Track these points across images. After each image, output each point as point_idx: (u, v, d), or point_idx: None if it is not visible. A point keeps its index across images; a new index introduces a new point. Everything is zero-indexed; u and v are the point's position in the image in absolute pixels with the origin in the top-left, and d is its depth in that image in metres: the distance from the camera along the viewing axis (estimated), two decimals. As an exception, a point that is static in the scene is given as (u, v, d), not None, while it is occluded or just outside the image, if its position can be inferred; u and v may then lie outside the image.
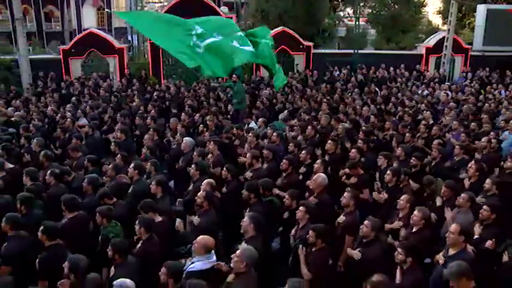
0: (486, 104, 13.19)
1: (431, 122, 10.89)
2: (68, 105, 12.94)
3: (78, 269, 4.10)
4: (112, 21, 42.00)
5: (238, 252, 4.32)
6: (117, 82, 17.74)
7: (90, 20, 41.96)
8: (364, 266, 4.86)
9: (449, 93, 15.66)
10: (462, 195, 5.93)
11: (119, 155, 7.71)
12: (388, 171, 6.69)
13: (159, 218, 5.40)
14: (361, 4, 31.83)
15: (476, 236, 5.45)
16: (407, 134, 9.24)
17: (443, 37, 21.59)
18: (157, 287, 4.33)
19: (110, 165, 7.15)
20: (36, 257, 4.78)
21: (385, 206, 6.38)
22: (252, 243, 4.80)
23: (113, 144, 8.71)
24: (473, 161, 7.44)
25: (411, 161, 7.62)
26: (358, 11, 26.25)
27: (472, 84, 17.76)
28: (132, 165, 6.66)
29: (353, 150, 7.56)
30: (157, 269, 4.32)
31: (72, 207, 5.48)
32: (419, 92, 16.48)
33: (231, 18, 19.26)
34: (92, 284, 4.08)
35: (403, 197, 5.92)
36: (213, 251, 4.68)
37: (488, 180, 6.63)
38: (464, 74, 20.96)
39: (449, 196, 6.16)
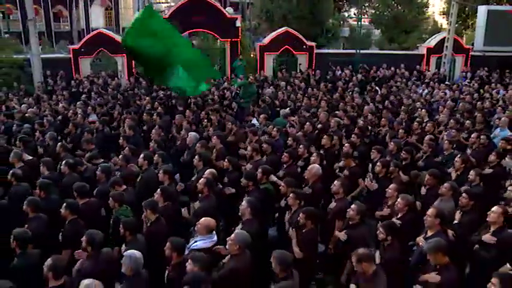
0: (479, 103, 13.58)
1: (426, 119, 11.35)
2: (78, 103, 13.49)
3: (95, 242, 4.64)
4: (120, 21, 42.60)
5: (232, 235, 4.83)
6: (125, 81, 18.29)
7: (98, 19, 42.52)
8: (350, 246, 5.34)
9: (447, 92, 16.11)
10: (445, 184, 6.42)
11: (127, 147, 8.25)
12: (378, 163, 7.21)
13: (165, 203, 5.93)
14: (366, 5, 32.36)
15: (456, 222, 5.94)
16: (400, 130, 9.73)
17: (444, 37, 22.03)
18: (163, 261, 4.84)
19: (120, 156, 7.69)
20: (52, 236, 5.37)
21: (376, 195, 6.87)
22: (248, 226, 5.32)
23: (121, 138, 9.24)
24: (459, 155, 7.92)
25: (401, 154, 8.11)
26: (360, 12, 26.67)
27: (471, 84, 18.20)
28: (142, 155, 7.25)
29: (346, 144, 8.05)
30: (163, 247, 4.84)
31: (83, 194, 6.04)
32: (419, 91, 16.94)
33: (236, 18, 19.89)
34: (105, 257, 4.62)
35: (391, 186, 6.43)
36: (214, 232, 5.20)
37: (472, 172, 7.11)
38: (464, 73, 21.42)
39: (433, 184, 6.65)
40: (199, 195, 6.22)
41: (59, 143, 8.37)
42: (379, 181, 7.04)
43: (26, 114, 11.95)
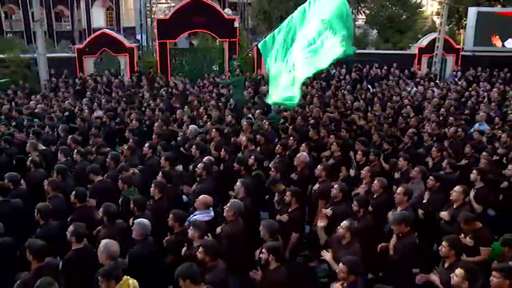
0: (446, 100, 14.34)
1: (411, 115, 12.13)
2: (84, 99, 14.30)
3: (109, 213, 5.43)
4: (120, 21, 43.34)
5: (228, 204, 5.63)
6: (128, 79, 19.10)
7: (99, 19, 43.17)
8: (334, 220, 6.11)
9: (436, 90, 16.92)
10: (415, 168, 7.24)
11: (132, 139, 9.05)
12: (359, 152, 8.04)
13: (168, 184, 6.72)
14: (362, 5, 33.13)
15: (424, 201, 6.74)
16: (385, 125, 10.54)
17: (436, 38, 22.80)
18: (166, 231, 5.62)
19: (126, 147, 8.49)
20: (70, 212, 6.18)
21: (356, 179, 7.67)
22: (242, 202, 6.10)
23: (127, 131, 10.03)
24: (436, 145, 8.74)
25: (384, 145, 8.93)
26: (355, 13, 27.37)
27: (460, 83, 18.99)
28: (146, 144, 8.10)
29: (331, 136, 8.84)
30: (166, 221, 5.63)
31: (98, 172, 6.95)
32: (408, 89, 17.72)
33: (234, 19, 20.65)
34: (119, 227, 5.41)
35: (364, 168, 7.26)
36: (211, 208, 5.99)
37: (445, 161, 7.92)
38: (454, 72, 22.22)
39: (405, 168, 7.46)
40: (198, 177, 7.03)
41: (70, 136, 9.16)
42: (359, 167, 7.84)
43: (36, 110, 12.76)
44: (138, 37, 31.53)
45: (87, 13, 43.29)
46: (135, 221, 5.22)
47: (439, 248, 4.96)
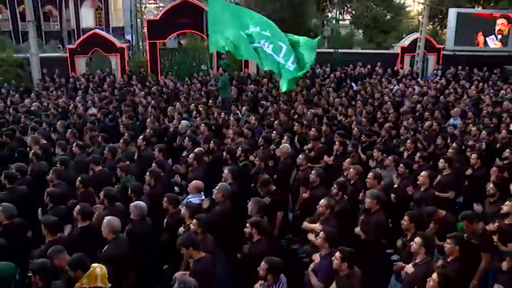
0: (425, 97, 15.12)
1: (391, 111, 12.84)
2: (78, 98, 14.84)
3: (110, 196, 6.04)
4: (110, 21, 43.63)
5: (217, 187, 6.27)
6: (119, 78, 19.61)
7: (88, 19, 43.35)
8: (313, 203, 6.74)
9: (416, 88, 17.70)
10: (389, 157, 7.93)
11: (126, 133, 9.64)
12: (337, 142, 8.73)
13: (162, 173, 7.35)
14: (348, 6, 33.93)
15: (395, 186, 7.44)
16: (363, 120, 11.25)
17: (417, 37, 23.60)
18: (161, 214, 6.24)
19: (121, 140, 9.08)
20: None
21: (334, 167, 8.36)
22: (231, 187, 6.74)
23: (121, 127, 10.62)
24: (410, 137, 9.46)
25: (362, 138, 9.63)
26: (339, 13, 28.12)
27: (440, 81, 19.79)
28: (140, 137, 8.71)
29: (313, 129, 9.51)
30: (161, 206, 6.24)
31: (98, 162, 7.59)
32: (391, 87, 18.48)
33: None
34: (119, 209, 6.02)
35: (346, 160, 7.92)
36: (202, 192, 6.62)
37: (418, 154, 8.60)
38: (435, 71, 23.06)
39: (380, 158, 8.15)
40: (190, 166, 7.67)
41: (69, 130, 9.75)
42: (337, 157, 8.52)
43: (32, 108, 13.28)
44: (127, 37, 31.98)
45: (76, 13, 43.50)
46: (132, 204, 5.83)
47: (401, 222, 5.65)
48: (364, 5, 30.75)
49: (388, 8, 30.89)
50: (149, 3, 39.62)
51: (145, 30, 23.74)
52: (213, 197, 6.27)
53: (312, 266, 5.16)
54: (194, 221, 5.29)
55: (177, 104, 12.97)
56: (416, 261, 4.93)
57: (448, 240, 5.00)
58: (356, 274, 4.71)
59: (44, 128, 11.05)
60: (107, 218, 5.20)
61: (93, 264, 4.68)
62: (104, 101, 14.34)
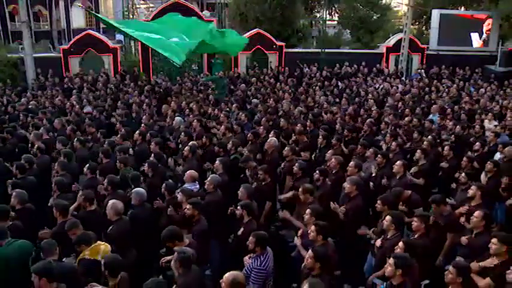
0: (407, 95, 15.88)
1: (374, 108, 13.53)
2: (73, 97, 15.35)
3: (113, 183, 6.63)
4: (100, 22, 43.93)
5: (208, 178, 6.89)
6: (112, 78, 20.13)
7: (78, 19, 43.54)
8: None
9: (400, 86, 18.45)
10: (370, 149, 8.60)
11: (123, 129, 10.21)
12: (320, 136, 9.37)
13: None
14: (335, 6, 34.65)
15: (373, 175, 8.10)
16: (347, 116, 11.93)
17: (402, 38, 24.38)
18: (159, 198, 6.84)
19: (119, 135, 9.67)
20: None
21: (319, 160, 9.00)
22: (221, 177, 7.35)
23: (118, 123, 11.19)
24: (389, 132, 10.14)
25: (344, 132, 10.30)
26: (326, 15, 28.82)
27: (423, 79, 20.58)
28: (137, 132, 9.33)
29: (298, 124, 10.16)
30: (158, 194, 6.83)
31: (108, 155, 8.21)
32: (376, 85, 19.19)
33: (212, 21, 21.86)
34: (121, 195, 6.59)
35: (329, 151, 8.58)
36: (197, 181, 7.22)
37: (393, 143, 9.28)
38: (419, 70, 23.84)
39: (362, 152, 8.82)
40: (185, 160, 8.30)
41: (69, 126, 10.31)
42: (321, 150, 9.18)
43: (30, 107, 13.78)
44: (117, 37, 32.37)
45: (67, 13, 43.72)
46: (133, 190, 6.43)
47: (375, 205, 6.31)
48: (351, 6, 31.44)
49: (374, 9, 31.61)
50: (141, 4, 40.00)
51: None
52: (205, 187, 6.87)
53: (299, 242, 5.81)
54: (188, 205, 5.89)
55: (172, 102, 13.56)
56: (388, 236, 5.60)
57: (415, 218, 5.67)
58: (330, 244, 5.38)
59: (44, 124, 11.60)
60: (111, 201, 5.80)
61: (99, 241, 5.26)
62: (99, 99, 14.87)
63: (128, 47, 25.53)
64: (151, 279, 4.33)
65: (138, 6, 26.01)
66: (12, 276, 4.96)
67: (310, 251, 4.75)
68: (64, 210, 5.75)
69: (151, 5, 36.03)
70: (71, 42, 21.36)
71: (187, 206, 5.88)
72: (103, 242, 5.31)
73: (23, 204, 6.18)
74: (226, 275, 4.22)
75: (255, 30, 23.18)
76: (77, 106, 13.42)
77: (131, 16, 26.62)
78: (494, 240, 5.06)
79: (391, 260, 4.53)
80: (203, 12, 22.73)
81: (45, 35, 40.70)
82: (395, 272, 4.48)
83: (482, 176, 8.02)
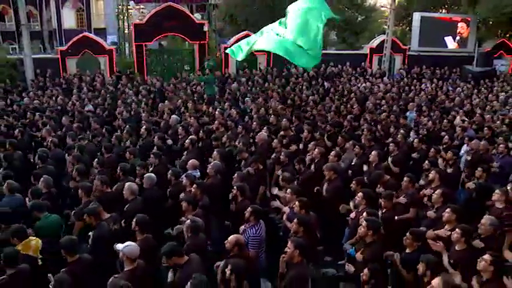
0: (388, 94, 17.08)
1: (355, 106, 14.65)
2: (74, 96, 16.27)
3: (126, 171, 7.68)
4: (91, 22, 44.55)
5: (210, 165, 7.93)
6: (108, 78, 21.08)
7: (70, 20, 44.00)
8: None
9: (381, 85, 19.63)
10: (350, 141, 9.69)
11: (127, 126, 11.20)
12: (305, 131, 10.45)
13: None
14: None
15: (353, 163, 9.20)
16: (331, 113, 13.04)
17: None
18: (163, 187, 7.84)
19: (125, 131, 10.67)
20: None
21: (303, 152, 10.07)
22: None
23: (120, 120, 12.18)
24: (366, 126, 11.28)
25: (327, 127, 11.40)
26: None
27: (403, 80, 21.80)
28: (144, 127, 10.38)
29: (284, 120, 11.25)
30: (163, 181, 7.85)
31: (110, 150, 9.15)
32: (359, 85, 20.33)
33: (204, 24, 22.88)
34: (130, 181, 7.61)
35: (312, 143, 9.68)
36: (197, 169, 8.25)
37: (364, 135, 10.41)
38: (401, 71, 25.08)
39: (342, 144, 9.91)
40: (185, 149, 9.34)
41: (75, 124, 11.30)
42: (306, 144, 10.26)
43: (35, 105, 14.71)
44: (109, 37, 33.18)
45: (58, 14, 44.19)
46: (144, 175, 7.46)
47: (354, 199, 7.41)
48: (336, 8, 32.52)
49: (359, 11, 32.78)
50: (131, 9, 40.75)
51: (127, 31, 25.30)
52: (207, 171, 7.93)
53: (285, 216, 6.86)
54: (194, 185, 6.93)
55: (167, 101, 14.59)
56: (359, 210, 6.70)
57: (382, 196, 6.78)
58: (312, 216, 6.45)
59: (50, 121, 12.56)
60: (127, 183, 6.83)
61: (30, 237, 5.66)
62: (99, 98, 15.83)
63: (122, 49, 26.45)
64: (167, 243, 5.28)
65: (130, 8, 26.69)
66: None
67: (295, 219, 5.84)
68: (88, 191, 6.77)
69: (142, 7, 36.82)
70: (69, 44, 22.22)
71: (193, 186, 6.92)
72: (34, 238, 5.72)
73: (48, 188, 7.18)
74: (231, 237, 5.27)
75: (244, 32, 24.16)
76: (78, 105, 14.39)
77: (123, 18, 27.47)
78: (448, 209, 6.17)
79: (363, 223, 5.62)
80: (195, 15, 23.69)
81: (37, 35, 41.23)
82: (367, 232, 5.58)
83: (440, 162, 9.10)
